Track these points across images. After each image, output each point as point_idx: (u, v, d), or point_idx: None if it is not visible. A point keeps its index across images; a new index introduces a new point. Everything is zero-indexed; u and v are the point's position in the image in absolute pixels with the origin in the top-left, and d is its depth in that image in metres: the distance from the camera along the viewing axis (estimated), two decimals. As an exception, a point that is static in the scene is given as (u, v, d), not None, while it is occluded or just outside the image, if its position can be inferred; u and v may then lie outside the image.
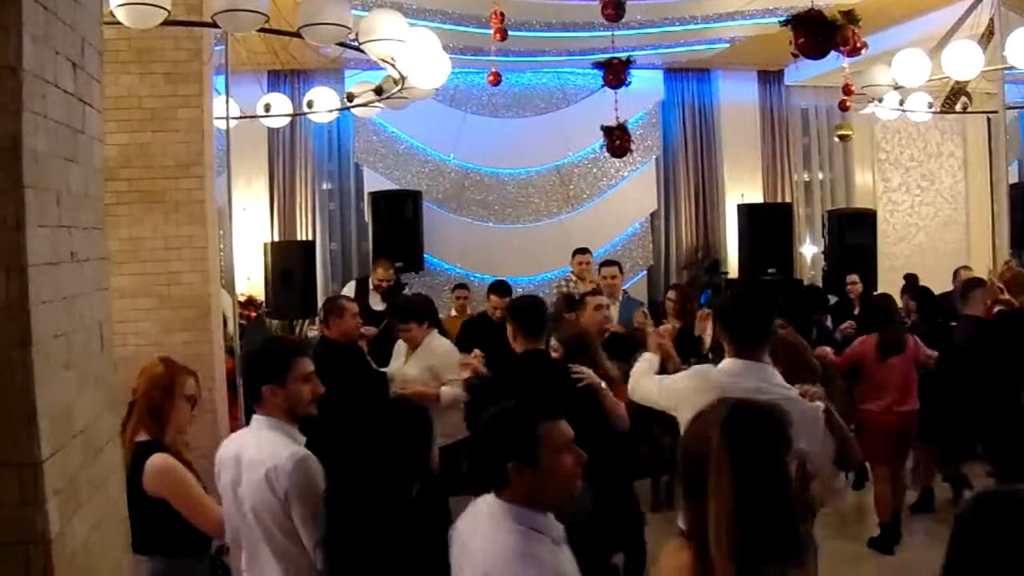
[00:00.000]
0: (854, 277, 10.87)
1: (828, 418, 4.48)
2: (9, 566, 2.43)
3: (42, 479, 2.42)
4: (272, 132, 13.11)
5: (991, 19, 9.10)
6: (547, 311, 6.16)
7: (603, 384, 5.77)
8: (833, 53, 9.08)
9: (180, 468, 4.12)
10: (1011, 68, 7.73)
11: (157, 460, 4.06)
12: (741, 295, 4.95)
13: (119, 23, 5.60)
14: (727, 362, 4.45)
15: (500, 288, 9.75)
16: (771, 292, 5.00)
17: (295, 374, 3.85)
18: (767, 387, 4.23)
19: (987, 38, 9.02)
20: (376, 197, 12.86)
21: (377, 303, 9.96)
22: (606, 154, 13.27)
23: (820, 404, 4.46)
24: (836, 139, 14.33)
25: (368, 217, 13.04)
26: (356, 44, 6.57)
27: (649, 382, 5.02)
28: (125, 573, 3.24)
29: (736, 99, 14.70)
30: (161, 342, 7.14)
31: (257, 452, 3.69)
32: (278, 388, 3.80)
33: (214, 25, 5.97)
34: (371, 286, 10.35)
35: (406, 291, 11.12)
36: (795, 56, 6.92)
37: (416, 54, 6.85)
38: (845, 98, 8.51)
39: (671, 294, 9.66)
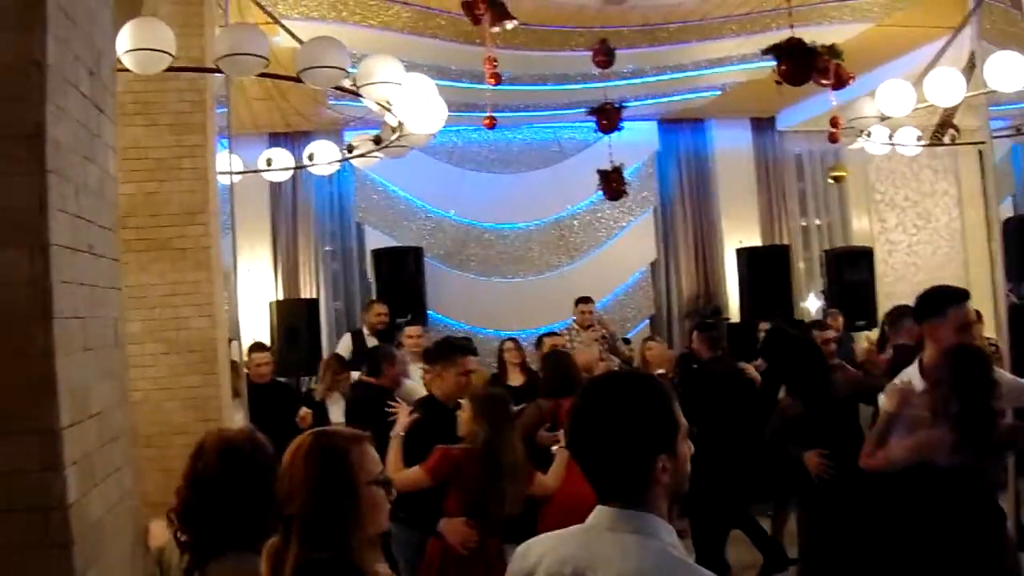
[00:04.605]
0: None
1: None
2: (29, 532, 2.56)
3: (61, 447, 2.55)
4: (275, 194, 13.41)
5: (971, 52, 9.30)
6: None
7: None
8: (823, 95, 9.34)
9: None
10: (993, 92, 7.90)
11: None
12: None
13: (125, 77, 5.80)
14: None
15: None
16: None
17: (682, 434, 2.49)
18: None
19: (969, 70, 9.21)
20: (378, 254, 13.02)
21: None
22: (605, 206, 13.60)
23: None
24: (830, 180, 14.54)
25: (371, 275, 13.21)
26: (354, 88, 6.77)
27: None
28: (138, 563, 3.35)
29: (730, 147, 14.93)
30: (170, 386, 7.28)
31: (623, 567, 2.34)
32: (670, 460, 2.42)
33: (217, 71, 6.18)
34: (366, 332, 10.54)
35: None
36: (778, 83, 7.14)
37: (412, 98, 7.05)
38: (834, 130, 8.67)
39: (508, 344, 9.80)
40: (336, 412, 8.80)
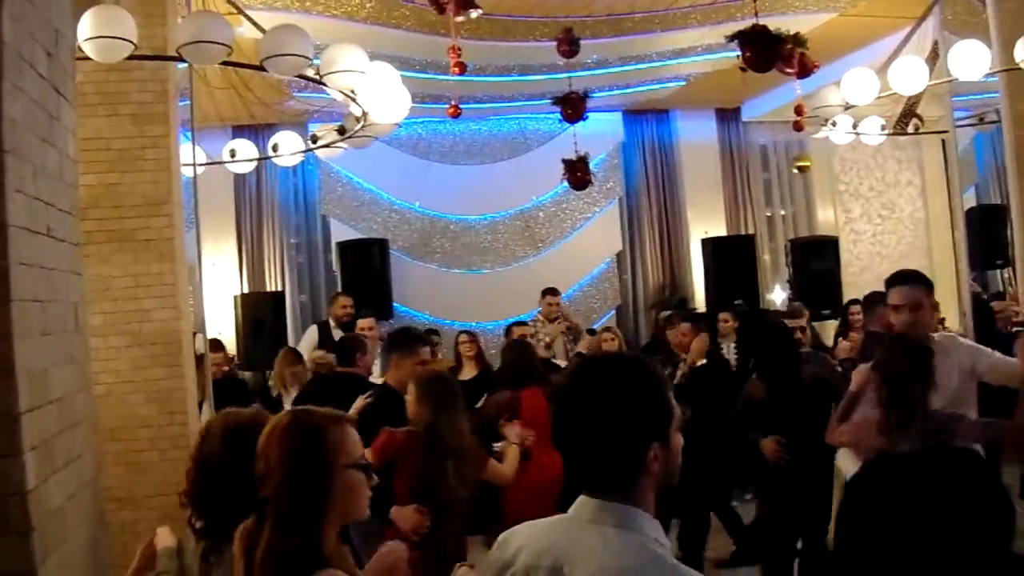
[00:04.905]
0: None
1: None
2: (-11, 519, 2.52)
3: (19, 431, 2.50)
4: (239, 187, 13.33)
5: (935, 41, 9.36)
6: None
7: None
8: (788, 85, 9.36)
9: None
10: (955, 81, 7.95)
11: None
12: None
13: (86, 67, 5.73)
14: None
15: None
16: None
17: (676, 424, 2.37)
18: None
19: (932, 60, 9.27)
20: (343, 247, 12.95)
21: (341, 338, 10.12)
22: (570, 197, 13.57)
23: None
24: (795, 171, 14.60)
25: (336, 267, 13.15)
26: (318, 77, 6.72)
27: None
28: (101, 549, 3.30)
29: (695, 137, 14.92)
30: (134, 379, 7.20)
31: (602, 563, 2.22)
32: (663, 448, 2.30)
33: (180, 59, 6.12)
34: (331, 324, 10.51)
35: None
36: (743, 70, 7.14)
37: (376, 87, 7.01)
38: (798, 118, 8.69)
39: (463, 336, 9.92)
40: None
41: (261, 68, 6.35)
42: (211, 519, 3.18)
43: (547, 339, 10.73)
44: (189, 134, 8.14)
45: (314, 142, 8.91)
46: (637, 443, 2.25)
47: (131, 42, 5.71)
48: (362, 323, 9.89)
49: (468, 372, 9.45)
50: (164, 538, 3.90)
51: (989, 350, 5.54)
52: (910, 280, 5.54)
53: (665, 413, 2.32)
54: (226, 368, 10.31)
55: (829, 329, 12.28)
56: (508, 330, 9.98)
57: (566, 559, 2.26)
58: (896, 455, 2.56)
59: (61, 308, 2.93)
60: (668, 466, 2.31)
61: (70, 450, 2.96)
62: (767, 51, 6.92)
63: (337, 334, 10.36)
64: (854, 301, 11.25)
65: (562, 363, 10.19)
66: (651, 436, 2.26)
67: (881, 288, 6.07)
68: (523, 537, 2.45)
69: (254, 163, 10.05)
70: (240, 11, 7.64)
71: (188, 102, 8.06)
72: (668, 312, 11.71)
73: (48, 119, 2.90)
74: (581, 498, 2.34)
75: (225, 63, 6.28)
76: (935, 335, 5.50)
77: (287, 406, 8.69)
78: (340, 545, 2.76)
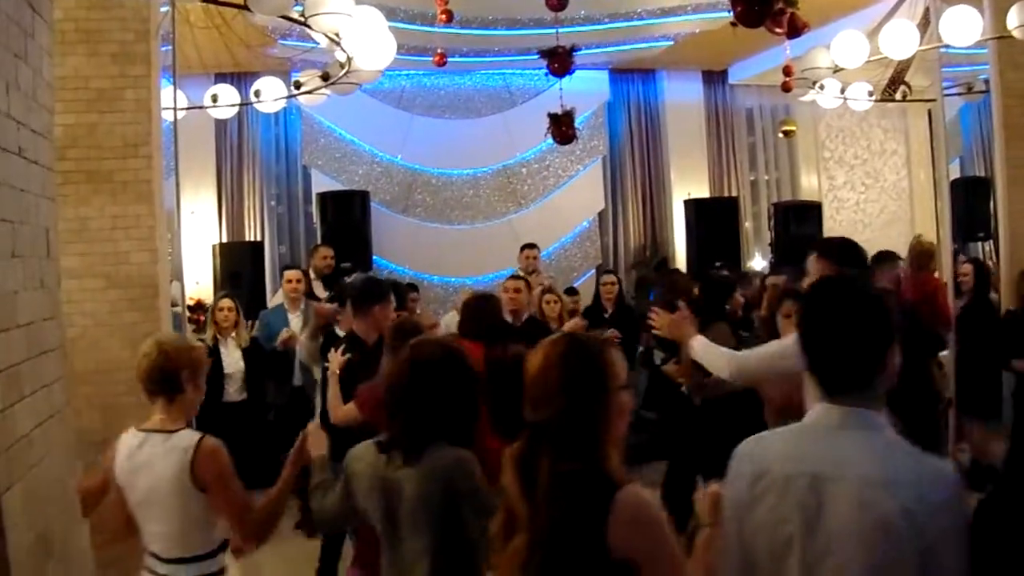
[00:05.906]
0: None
1: None
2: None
3: (-15, 351, 2.44)
4: (220, 136, 13.20)
5: (927, 8, 9.30)
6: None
7: None
8: (776, 48, 9.27)
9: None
10: (946, 47, 7.91)
11: (632, 500, 2.60)
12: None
13: (66, 4, 5.61)
14: None
15: None
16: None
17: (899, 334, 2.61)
18: None
19: (923, 27, 9.21)
20: (324, 197, 12.79)
21: (320, 291, 10.00)
22: (553, 154, 13.47)
23: None
24: (781, 135, 14.56)
25: (316, 219, 13.03)
26: (303, 20, 6.61)
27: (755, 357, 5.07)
28: (70, 481, 3.24)
29: (681, 99, 14.86)
30: (109, 323, 7.11)
31: (871, 466, 2.41)
32: (894, 353, 2.55)
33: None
34: (312, 276, 10.40)
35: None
36: (733, 25, 7.05)
37: (362, 31, 6.91)
38: (787, 79, 8.63)
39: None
40: (230, 355, 8.93)
41: (245, 7, 6.23)
42: (410, 422, 3.40)
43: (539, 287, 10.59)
44: (171, 79, 8.01)
45: (297, 88, 8.80)
46: (882, 347, 2.52)
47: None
48: (289, 274, 9.73)
49: None
50: (318, 444, 3.95)
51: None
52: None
53: (894, 322, 2.58)
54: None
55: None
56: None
57: (825, 466, 2.46)
58: None
59: (32, 231, 2.85)
60: (896, 370, 2.55)
61: (40, 377, 2.89)
62: (759, 5, 6.82)
63: (317, 285, 10.28)
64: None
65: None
66: (890, 341, 2.53)
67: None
68: (771, 448, 2.64)
69: (235, 109, 9.92)
70: (224, -50, 7.52)
71: (170, 47, 7.94)
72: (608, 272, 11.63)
73: (22, 35, 2.82)
74: (822, 406, 2.56)
75: (208, 0, 6.16)
76: None
77: (225, 353, 8.68)
78: (621, 463, 2.76)
